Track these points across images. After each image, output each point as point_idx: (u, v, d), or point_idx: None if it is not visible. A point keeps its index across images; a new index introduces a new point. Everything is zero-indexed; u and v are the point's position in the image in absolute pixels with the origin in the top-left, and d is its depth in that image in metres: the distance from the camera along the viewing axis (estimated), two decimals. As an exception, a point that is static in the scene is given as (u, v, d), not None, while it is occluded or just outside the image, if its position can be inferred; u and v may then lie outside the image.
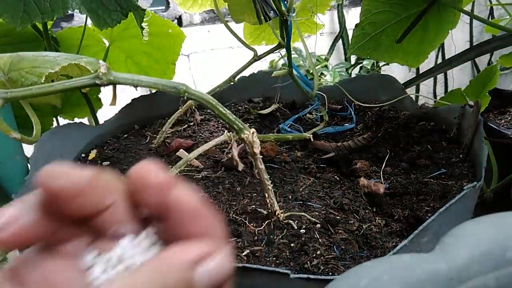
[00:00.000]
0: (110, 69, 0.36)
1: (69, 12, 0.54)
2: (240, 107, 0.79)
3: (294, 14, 0.62)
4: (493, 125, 0.64)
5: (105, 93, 0.68)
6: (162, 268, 0.18)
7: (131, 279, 0.17)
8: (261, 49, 0.67)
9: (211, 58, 1.33)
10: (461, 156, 0.52)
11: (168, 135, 0.67)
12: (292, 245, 0.39)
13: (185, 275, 0.18)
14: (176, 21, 1.30)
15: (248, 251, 0.38)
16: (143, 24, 0.56)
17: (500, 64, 0.71)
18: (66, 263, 0.20)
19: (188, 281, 0.18)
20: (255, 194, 0.48)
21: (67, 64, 0.41)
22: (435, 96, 1.03)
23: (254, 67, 0.68)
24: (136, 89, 0.36)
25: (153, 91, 0.75)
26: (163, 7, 1.29)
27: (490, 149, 0.50)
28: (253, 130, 0.38)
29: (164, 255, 0.18)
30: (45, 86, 0.37)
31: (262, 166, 0.40)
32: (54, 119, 0.71)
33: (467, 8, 0.81)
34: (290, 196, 0.47)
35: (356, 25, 0.64)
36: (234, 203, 0.47)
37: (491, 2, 0.88)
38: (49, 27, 0.64)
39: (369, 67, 1.31)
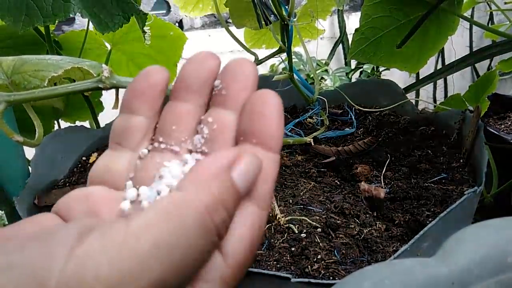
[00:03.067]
0: (113, 73, 0.36)
1: (71, 15, 0.55)
2: (240, 111, 0.79)
3: (295, 19, 0.63)
4: (493, 130, 0.64)
5: (106, 97, 0.68)
6: (203, 179, 0.19)
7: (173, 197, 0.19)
8: (261, 53, 0.67)
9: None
10: (461, 161, 0.52)
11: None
12: (292, 249, 0.39)
13: (225, 179, 0.20)
14: (177, 25, 1.30)
15: (249, 255, 0.38)
16: (145, 28, 0.56)
17: (499, 69, 0.71)
18: (110, 193, 0.24)
19: (228, 184, 0.20)
20: (256, 198, 0.48)
21: (70, 67, 0.41)
22: (434, 101, 1.03)
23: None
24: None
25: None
26: (164, 11, 1.29)
27: (490, 154, 0.51)
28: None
29: (198, 168, 0.20)
30: (49, 89, 0.37)
31: (263, 170, 0.40)
32: (56, 122, 0.71)
33: (467, 13, 0.82)
34: (290, 200, 0.47)
35: (356, 30, 0.65)
36: (235, 206, 0.47)
37: (491, 8, 0.88)
38: (52, 29, 0.64)
39: (369, 72, 1.31)
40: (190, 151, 0.25)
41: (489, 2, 0.80)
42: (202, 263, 0.19)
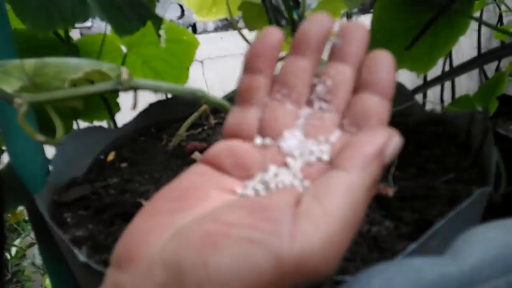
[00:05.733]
0: (131, 75, 0.38)
1: (90, 18, 0.56)
2: (252, 112, 0.80)
3: (306, 22, 0.63)
4: (502, 131, 0.64)
5: (123, 97, 0.70)
6: (363, 159, 0.23)
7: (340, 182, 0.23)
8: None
9: (224, 64, 1.35)
10: (470, 161, 0.52)
11: (184, 138, 0.69)
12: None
13: (381, 160, 0.24)
14: (190, 28, 1.32)
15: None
16: (160, 32, 0.58)
17: (510, 71, 0.71)
18: (248, 146, 0.28)
19: (382, 163, 0.24)
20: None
21: (90, 69, 0.43)
22: (442, 101, 1.03)
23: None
24: (156, 94, 0.38)
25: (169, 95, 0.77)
26: (178, 15, 1.31)
27: (499, 155, 0.51)
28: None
29: (357, 146, 0.24)
30: (70, 90, 0.38)
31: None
32: (74, 122, 0.73)
33: (476, 14, 0.82)
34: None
35: (367, 32, 0.65)
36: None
37: (500, 9, 0.88)
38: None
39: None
40: (309, 103, 0.29)
41: (498, 3, 0.80)
42: None
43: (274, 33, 0.29)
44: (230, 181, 0.27)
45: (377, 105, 0.27)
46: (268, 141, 0.28)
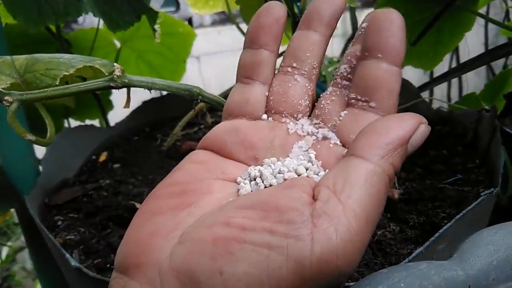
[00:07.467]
0: (125, 72, 0.36)
1: (82, 14, 0.55)
2: (251, 110, 0.79)
3: (307, 17, 0.62)
4: (509, 130, 0.63)
5: (116, 95, 0.68)
6: (386, 147, 0.21)
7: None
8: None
9: (221, 60, 1.33)
10: (477, 161, 0.51)
11: (179, 137, 0.67)
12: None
13: (404, 149, 0.21)
14: (186, 22, 1.30)
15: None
16: (156, 26, 0.56)
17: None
18: (254, 124, 0.27)
19: (405, 153, 0.21)
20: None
21: (82, 66, 0.41)
22: (449, 99, 1.02)
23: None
24: (150, 91, 0.36)
25: (164, 93, 0.75)
26: (174, 9, 1.29)
27: (506, 155, 0.49)
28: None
29: (378, 129, 0.22)
30: (61, 88, 0.37)
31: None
32: (65, 120, 0.71)
33: (482, 10, 0.80)
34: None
35: (370, 28, 0.64)
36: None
37: (507, 5, 0.87)
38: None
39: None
40: (318, 77, 0.28)
41: (505, -1, 0.78)
42: None
43: (278, 7, 0.27)
44: (233, 167, 0.25)
45: (386, 72, 0.24)
46: (276, 118, 0.27)
